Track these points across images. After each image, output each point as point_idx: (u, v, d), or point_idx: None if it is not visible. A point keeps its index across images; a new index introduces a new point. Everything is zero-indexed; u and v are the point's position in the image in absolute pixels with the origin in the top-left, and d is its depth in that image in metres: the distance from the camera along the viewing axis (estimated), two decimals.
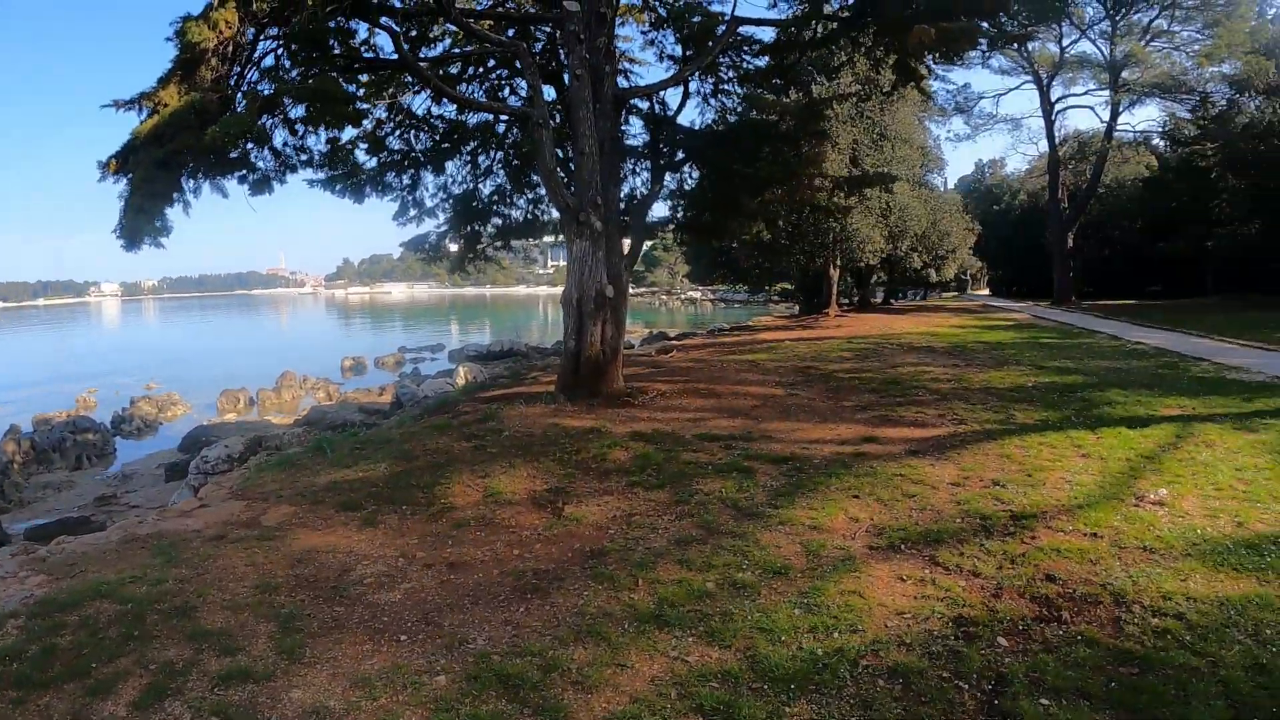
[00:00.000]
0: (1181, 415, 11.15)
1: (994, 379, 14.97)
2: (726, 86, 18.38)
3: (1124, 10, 42.54)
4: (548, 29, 16.85)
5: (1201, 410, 11.46)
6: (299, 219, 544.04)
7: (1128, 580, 5.67)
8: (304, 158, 14.36)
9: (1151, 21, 42.95)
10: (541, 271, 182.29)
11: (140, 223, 11.21)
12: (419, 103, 17.56)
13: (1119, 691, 4.32)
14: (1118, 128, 48.08)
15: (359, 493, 8.67)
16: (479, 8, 17.20)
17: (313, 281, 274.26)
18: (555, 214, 18.85)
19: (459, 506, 8.11)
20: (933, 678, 4.54)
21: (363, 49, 14.45)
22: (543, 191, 18.98)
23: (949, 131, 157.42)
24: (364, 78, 15.80)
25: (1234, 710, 4.14)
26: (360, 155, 17.14)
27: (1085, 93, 48.97)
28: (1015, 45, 39.57)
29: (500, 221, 19.54)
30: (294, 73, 13.14)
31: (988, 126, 52.25)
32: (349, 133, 15.59)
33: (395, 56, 13.83)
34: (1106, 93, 45.66)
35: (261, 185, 12.92)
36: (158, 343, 76.10)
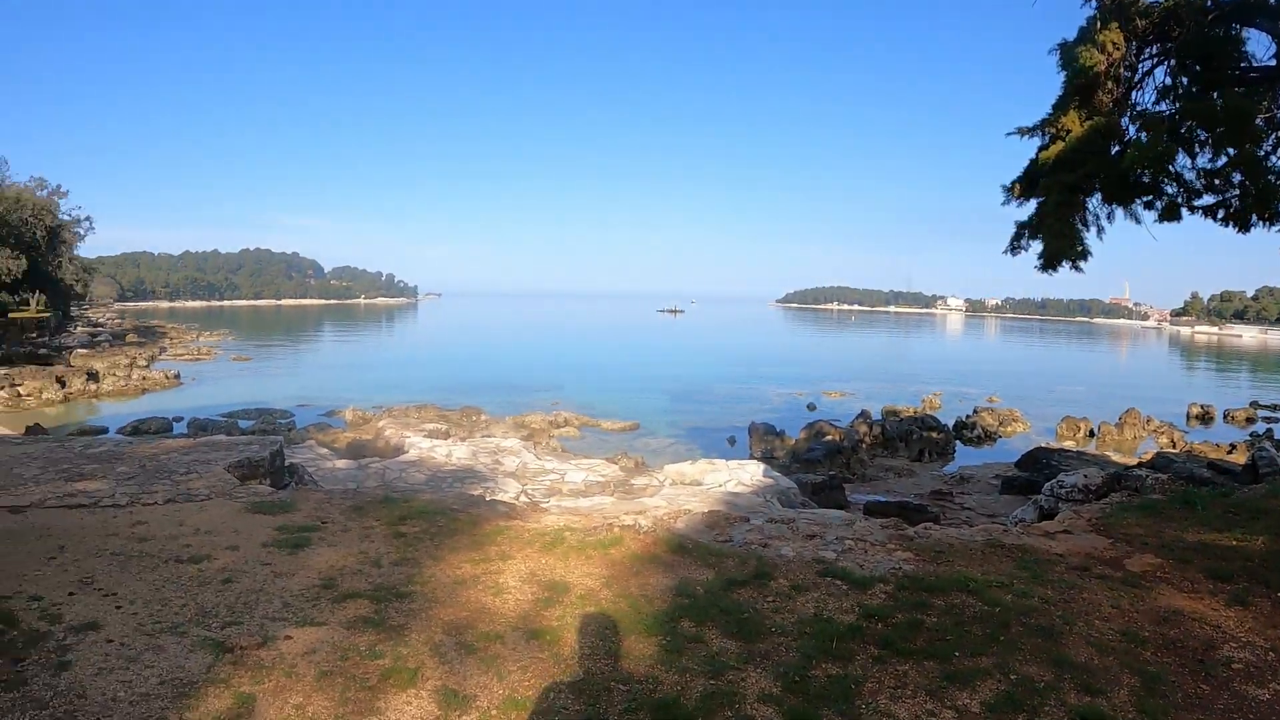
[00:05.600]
0: None
1: None
2: None
3: None
4: None
5: None
6: (1144, 247, 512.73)
7: None
8: (1213, 182, 13.22)
9: None
10: None
11: (1061, 247, 11.53)
12: None
13: None
14: None
15: (1231, 562, 7.75)
16: None
17: (1156, 315, 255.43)
18: None
19: None
20: None
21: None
22: None
23: None
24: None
25: None
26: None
27: None
28: None
29: None
30: (1179, 90, 12.11)
31: None
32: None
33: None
34: None
35: (1170, 213, 12.15)
36: (998, 359, 79.16)
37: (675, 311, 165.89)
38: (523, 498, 12.39)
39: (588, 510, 8.96)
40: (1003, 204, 12.34)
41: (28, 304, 72.08)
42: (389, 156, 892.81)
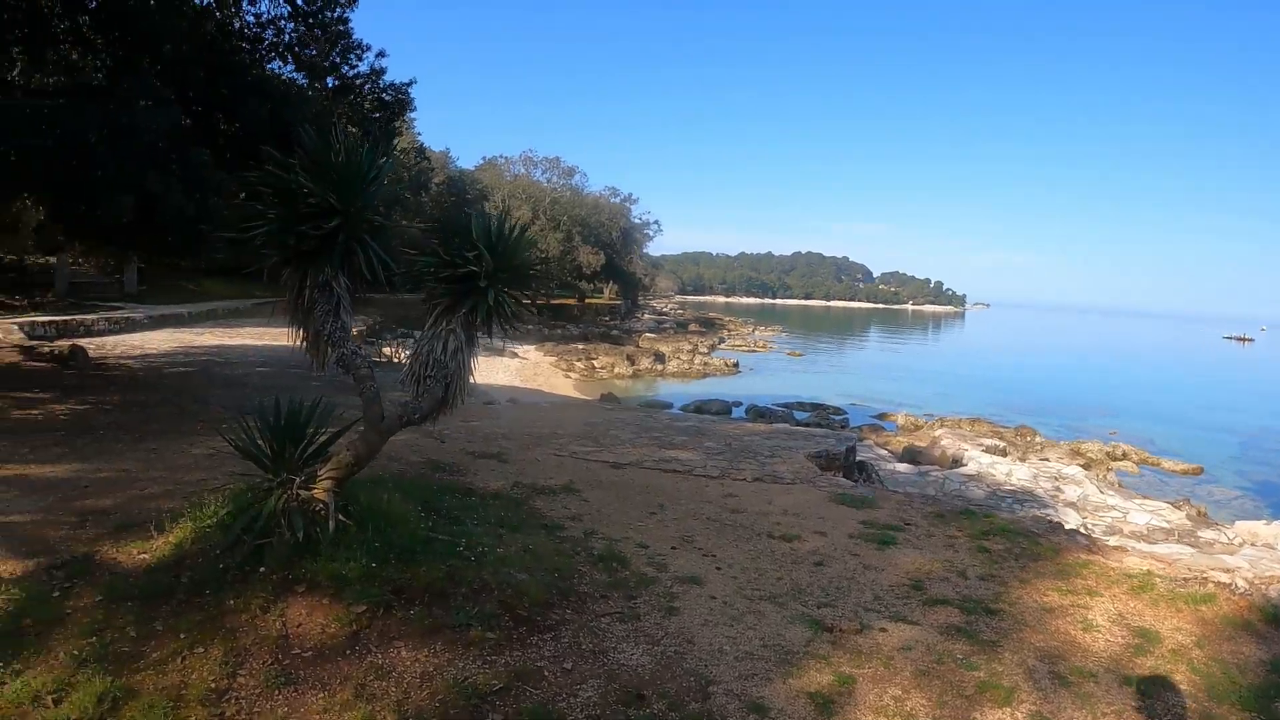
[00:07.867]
0: None
1: None
2: None
3: None
4: None
5: None
6: None
7: None
8: None
9: None
10: None
11: None
12: None
13: None
14: None
15: None
16: None
17: None
18: None
19: None
20: None
21: None
22: None
23: None
24: None
25: None
26: None
27: None
28: None
29: None
30: None
31: None
32: None
33: None
34: None
35: None
36: None
37: (1245, 339, 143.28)
38: (1082, 531, 11.67)
39: (1167, 557, 8.18)
40: None
41: (601, 292, 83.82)
42: (943, 160, 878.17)
